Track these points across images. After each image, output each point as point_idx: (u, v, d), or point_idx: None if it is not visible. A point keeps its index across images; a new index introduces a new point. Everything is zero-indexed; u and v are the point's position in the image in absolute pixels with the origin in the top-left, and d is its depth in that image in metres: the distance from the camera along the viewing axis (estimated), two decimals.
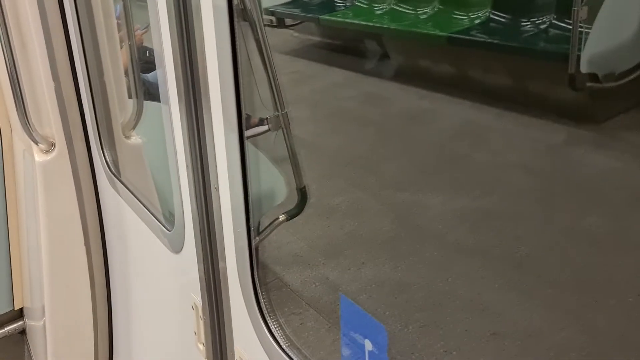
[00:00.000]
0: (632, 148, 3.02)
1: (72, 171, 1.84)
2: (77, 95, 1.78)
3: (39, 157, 1.80)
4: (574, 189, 2.84)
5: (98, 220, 1.93)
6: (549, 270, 2.43)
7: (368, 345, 0.86)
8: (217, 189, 1.11)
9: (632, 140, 3.08)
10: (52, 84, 1.71)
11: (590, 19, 2.97)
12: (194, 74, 1.07)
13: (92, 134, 1.80)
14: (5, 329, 2.49)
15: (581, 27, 3.00)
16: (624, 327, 2.13)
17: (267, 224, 1.34)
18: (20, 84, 1.72)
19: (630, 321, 2.15)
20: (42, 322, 2.02)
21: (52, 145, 1.80)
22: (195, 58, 1.05)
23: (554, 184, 2.94)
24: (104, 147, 1.76)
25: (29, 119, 1.75)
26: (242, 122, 1.01)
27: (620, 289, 2.27)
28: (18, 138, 2.10)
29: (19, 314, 2.52)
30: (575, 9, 2.97)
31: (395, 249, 2.76)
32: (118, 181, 1.70)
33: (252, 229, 1.09)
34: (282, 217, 1.42)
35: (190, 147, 1.14)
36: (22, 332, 2.54)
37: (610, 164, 2.97)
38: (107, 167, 1.75)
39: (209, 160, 1.11)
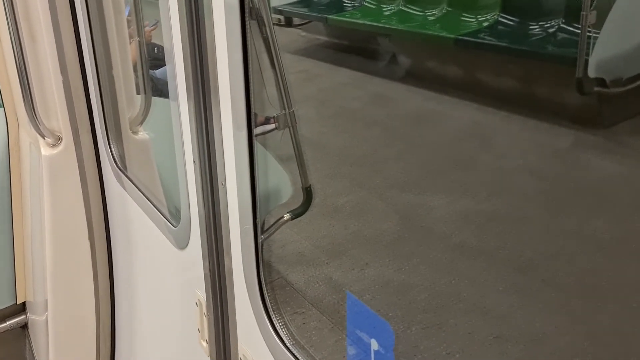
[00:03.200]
0: (638, 153, 3.01)
1: (78, 165, 1.84)
2: (85, 89, 1.78)
3: (45, 151, 1.80)
4: (580, 193, 2.83)
5: (103, 215, 1.94)
6: (553, 274, 2.43)
7: (374, 345, 0.85)
8: (224, 185, 1.11)
9: (638, 145, 3.07)
10: (60, 78, 1.71)
11: (599, 24, 2.96)
12: (204, 71, 1.07)
13: (99, 129, 1.80)
14: (7, 323, 2.49)
15: (589, 31, 3.00)
16: (628, 333, 2.12)
17: (272, 223, 1.34)
18: (29, 77, 1.73)
19: (634, 327, 2.14)
20: (44, 317, 2.02)
21: (59, 139, 1.80)
22: (205, 54, 1.05)
23: (560, 187, 2.93)
24: (110, 141, 1.76)
25: (36, 112, 1.76)
26: (251, 120, 1.01)
27: (625, 294, 2.26)
28: (24, 131, 2.11)
29: (22, 308, 2.53)
30: (584, 13, 2.96)
31: (399, 249, 2.76)
32: (124, 176, 1.70)
33: (258, 226, 1.08)
34: (287, 216, 1.42)
35: (199, 144, 1.14)
36: (24, 326, 2.54)
37: (616, 168, 2.96)
38: (113, 162, 1.75)
39: (217, 157, 1.11)
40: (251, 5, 1.01)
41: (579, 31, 3.10)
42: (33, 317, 2.42)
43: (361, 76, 4.88)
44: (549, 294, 2.37)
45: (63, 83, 1.72)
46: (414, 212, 3.00)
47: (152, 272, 1.70)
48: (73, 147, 1.81)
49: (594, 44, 3.04)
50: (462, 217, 2.90)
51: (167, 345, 1.70)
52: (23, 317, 2.52)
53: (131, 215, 1.71)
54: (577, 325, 2.19)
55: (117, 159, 1.75)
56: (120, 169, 1.73)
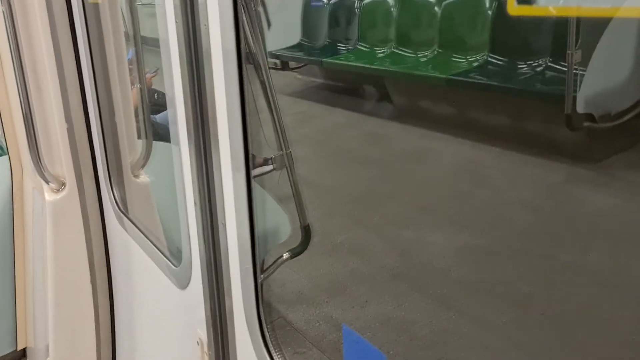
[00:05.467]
0: (629, 186, 3.05)
1: (82, 210, 1.87)
2: (88, 135, 1.83)
3: (49, 196, 1.84)
4: (575, 226, 2.86)
5: (105, 258, 1.96)
6: (552, 308, 2.43)
7: None
8: (224, 225, 1.14)
9: (629, 179, 3.11)
10: (65, 125, 1.76)
11: (585, 62, 3.05)
12: (204, 115, 1.12)
13: (101, 174, 1.84)
14: None
15: (576, 69, 3.08)
16: None
17: (271, 262, 1.37)
18: (34, 125, 1.78)
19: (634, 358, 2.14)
20: None
21: (63, 184, 1.84)
22: (205, 99, 1.10)
23: (555, 221, 2.96)
24: (113, 186, 1.80)
25: (41, 158, 1.80)
26: (249, 162, 1.05)
27: (625, 327, 2.26)
28: (28, 177, 2.15)
29: (22, 354, 2.51)
30: (570, 52, 3.05)
31: (399, 286, 2.77)
32: (126, 219, 1.73)
33: (258, 266, 1.11)
34: (286, 255, 1.44)
35: (199, 185, 1.17)
36: None
37: (610, 201, 3.00)
38: (115, 206, 1.79)
39: (216, 198, 1.15)
40: (247, 51, 1.06)
41: (566, 69, 3.19)
42: None
43: (356, 116, 4.97)
44: (548, 328, 2.37)
45: (68, 130, 1.77)
46: (412, 248, 3.02)
47: (153, 312, 1.71)
48: (76, 192, 1.85)
49: (581, 81, 3.12)
50: (460, 252, 2.92)
51: None
52: None
53: (133, 257, 1.74)
54: (576, 358, 2.18)
55: (119, 202, 1.79)
56: (122, 212, 1.76)
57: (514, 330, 2.38)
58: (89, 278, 1.95)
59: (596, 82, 3.08)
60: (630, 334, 2.23)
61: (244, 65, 1.00)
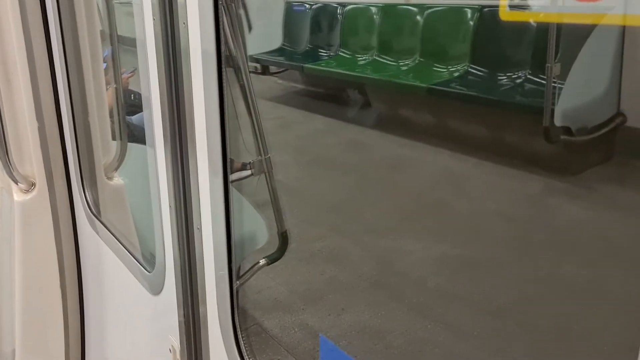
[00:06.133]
0: (604, 199, 3.09)
1: (52, 211, 1.82)
2: (60, 135, 1.78)
3: (18, 197, 1.78)
4: (551, 238, 2.88)
5: (75, 261, 1.91)
6: (528, 318, 2.44)
7: None
8: (199, 229, 1.12)
9: (605, 191, 3.15)
10: (35, 124, 1.71)
11: (564, 75, 3.09)
12: (181, 117, 1.09)
13: (73, 175, 1.80)
14: None
15: (555, 82, 3.12)
16: None
17: (247, 268, 1.34)
18: (3, 123, 1.73)
19: None
20: None
21: (32, 184, 1.79)
22: (182, 101, 1.07)
23: (532, 232, 2.98)
24: (85, 187, 1.76)
25: (10, 158, 1.75)
26: (227, 166, 1.02)
27: (599, 337, 2.28)
28: None
29: None
30: (549, 65, 3.09)
31: (376, 295, 2.75)
32: (98, 222, 1.69)
33: (234, 272, 1.09)
34: (262, 262, 1.42)
35: (175, 189, 1.14)
36: None
37: (585, 213, 3.03)
38: (87, 208, 1.74)
39: (192, 201, 1.12)
40: (227, 54, 1.04)
41: (545, 82, 3.22)
42: None
43: (336, 123, 4.96)
44: (525, 338, 2.38)
45: (38, 129, 1.72)
46: (390, 257, 3.01)
47: (124, 318, 1.67)
48: (47, 193, 1.80)
49: (559, 94, 3.16)
50: (437, 262, 2.92)
51: None
52: None
53: (104, 261, 1.69)
54: None
55: (91, 204, 1.74)
56: (94, 215, 1.72)
57: (488, 340, 2.38)
58: (58, 282, 1.90)
59: (574, 96, 3.13)
60: (604, 343, 2.25)
61: (223, 67, 0.97)
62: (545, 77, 3.20)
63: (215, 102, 0.98)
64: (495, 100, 3.94)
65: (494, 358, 2.30)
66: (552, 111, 3.12)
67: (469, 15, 4.40)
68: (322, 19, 5.86)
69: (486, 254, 2.91)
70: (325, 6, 5.84)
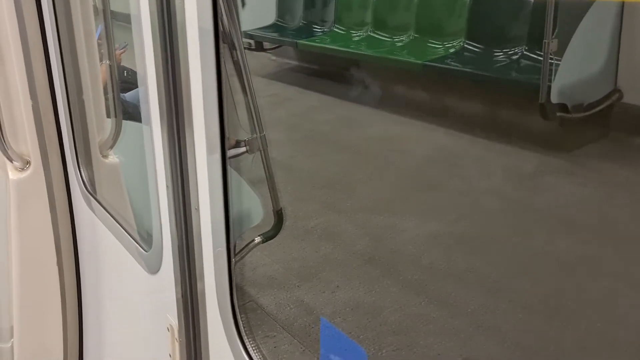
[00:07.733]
0: (600, 176, 3.11)
1: (47, 189, 1.81)
2: (54, 112, 1.76)
3: (13, 175, 1.77)
4: (545, 215, 2.90)
5: (72, 240, 1.91)
6: (520, 295, 2.47)
7: None
8: (197, 209, 1.11)
9: (600, 168, 3.17)
10: (29, 102, 1.70)
11: (561, 52, 3.08)
12: (177, 94, 1.08)
13: (68, 153, 1.78)
14: None
15: (552, 58, 3.11)
16: (594, 351, 2.17)
17: (243, 246, 1.34)
18: None
19: (600, 345, 2.19)
20: (9, 344, 1.96)
21: (27, 163, 1.78)
22: (179, 78, 1.06)
23: (526, 209, 3.00)
24: (80, 165, 1.74)
25: (4, 136, 1.73)
26: (225, 144, 1.02)
27: (591, 313, 2.31)
28: None
29: None
30: (546, 41, 3.07)
31: (370, 272, 2.77)
32: (94, 200, 1.68)
33: (231, 248, 1.09)
34: (258, 239, 1.42)
35: (172, 167, 1.14)
36: None
37: (579, 190, 3.05)
38: (83, 186, 1.73)
39: (189, 180, 1.11)
40: (222, 29, 1.02)
41: (542, 58, 3.21)
42: None
43: (331, 100, 4.94)
44: (517, 314, 2.41)
45: (32, 107, 1.70)
46: (384, 234, 3.03)
47: (122, 297, 1.68)
48: (42, 171, 1.79)
49: (556, 70, 3.15)
50: (431, 239, 2.93)
51: None
52: None
53: (101, 240, 1.69)
54: (546, 346, 2.22)
55: (86, 183, 1.73)
56: (90, 193, 1.71)
57: (481, 316, 2.41)
58: (55, 260, 1.90)
59: (571, 73, 3.12)
60: (596, 321, 2.28)
61: (221, 43, 0.96)
62: (542, 53, 3.18)
63: (212, 79, 0.96)
64: (491, 77, 3.93)
65: (486, 334, 2.33)
66: (549, 88, 3.12)
67: None
68: None
69: (480, 232, 2.93)
70: None
